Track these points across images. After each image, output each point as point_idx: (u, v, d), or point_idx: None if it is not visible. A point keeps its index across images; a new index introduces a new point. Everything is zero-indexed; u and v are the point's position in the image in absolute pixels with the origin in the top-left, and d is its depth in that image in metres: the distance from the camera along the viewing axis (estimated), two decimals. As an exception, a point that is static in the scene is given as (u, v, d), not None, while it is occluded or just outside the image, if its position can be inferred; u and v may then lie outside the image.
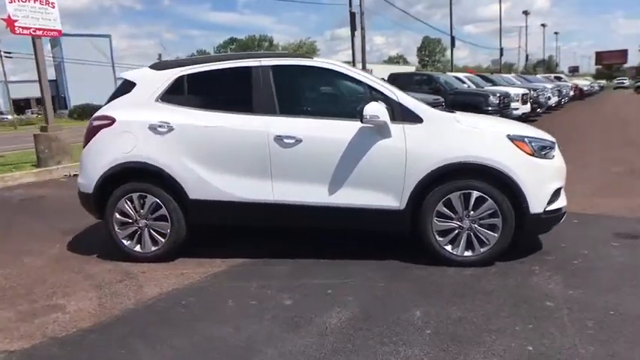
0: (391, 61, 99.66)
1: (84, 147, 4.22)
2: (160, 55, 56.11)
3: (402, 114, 3.68)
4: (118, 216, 4.07)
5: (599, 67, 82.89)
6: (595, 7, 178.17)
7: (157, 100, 4.04)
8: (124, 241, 4.11)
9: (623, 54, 71.83)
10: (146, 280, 3.72)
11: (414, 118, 3.67)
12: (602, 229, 4.48)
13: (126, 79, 4.28)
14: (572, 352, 2.46)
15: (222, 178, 3.88)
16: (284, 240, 4.53)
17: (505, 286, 3.31)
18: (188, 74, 4.05)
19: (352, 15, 18.94)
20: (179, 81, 4.05)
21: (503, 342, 2.60)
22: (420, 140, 3.62)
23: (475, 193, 3.58)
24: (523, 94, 15.20)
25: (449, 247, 3.70)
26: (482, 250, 3.66)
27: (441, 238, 3.69)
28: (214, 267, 3.93)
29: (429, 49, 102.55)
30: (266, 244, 4.42)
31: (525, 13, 44.27)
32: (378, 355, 2.52)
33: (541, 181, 3.63)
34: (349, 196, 3.74)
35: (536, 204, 3.57)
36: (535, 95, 17.04)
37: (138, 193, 4.01)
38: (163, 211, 3.99)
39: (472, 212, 3.62)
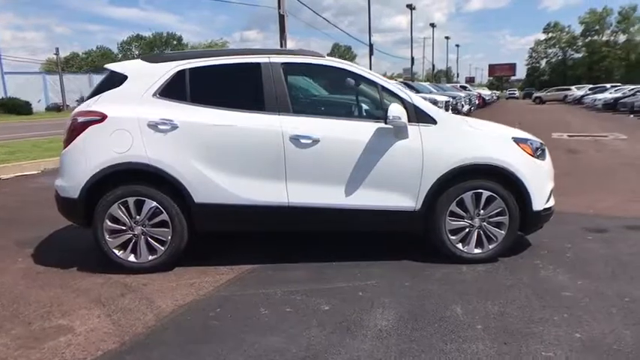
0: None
1: (65, 146, 3.74)
2: (57, 49, 51.11)
3: (416, 116, 3.74)
4: (109, 223, 3.66)
5: (491, 78, 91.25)
6: (484, 24, 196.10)
7: (154, 96, 3.70)
8: (116, 251, 3.70)
9: (512, 67, 79.96)
10: (153, 293, 3.38)
11: (428, 120, 3.76)
12: (569, 224, 4.92)
13: (113, 71, 3.86)
14: (617, 336, 2.67)
15: (232, 180, 3.66)
16: (280, 244, 4.38)
17: (521, 281, 3.51)
18: (190, 68, 3.76)
19: (281, 17, 18.87)
20: (180, 75, 3.74)
21: (551, 331, 2.75)
22: (435, 141, 3.72)
23: (486, 193, 3.76)
24: (446, 102, 16.27)
25: (460, 245, 3.83)
26: (490, 247, 3.84)
27: (453, 237, 3.81)
28: (223, 274, 3.69)
29: (338, 56, 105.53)
30: (263, 249, 4.25)
31: (432, 25, 47.66)
32: (447, 353, 2.54)
33: (541, 180, 3.91)
34: (366, 198, 3.72)
35: (538, 202, 3.84)
36: (454, 103, 18.31)
37: (135, 198, 3.63)
38: (164, 216, 3.66)
39: (482, 211, 3.79)
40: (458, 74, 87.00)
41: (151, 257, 3.72)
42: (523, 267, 3.77)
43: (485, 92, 39.88)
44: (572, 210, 5.30)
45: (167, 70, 3.75)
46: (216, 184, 3.64)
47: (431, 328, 2.80)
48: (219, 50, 3.89)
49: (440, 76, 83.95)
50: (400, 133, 3.67)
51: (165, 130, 3.62)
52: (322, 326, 2.85)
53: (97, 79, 50.06)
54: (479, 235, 3.83)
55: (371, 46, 32.01)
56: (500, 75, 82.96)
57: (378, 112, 3.79)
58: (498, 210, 3.79)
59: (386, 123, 3.58)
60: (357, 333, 2.76)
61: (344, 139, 3.70)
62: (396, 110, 3.53)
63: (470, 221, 3.81)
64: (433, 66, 57.22)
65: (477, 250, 3.84)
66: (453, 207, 3.77)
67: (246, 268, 3.82)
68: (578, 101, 36.83)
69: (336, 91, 4.22)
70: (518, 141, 3.89)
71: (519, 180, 3.75)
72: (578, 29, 76.51)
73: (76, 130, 3.67)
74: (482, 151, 3.75)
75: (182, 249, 3.76)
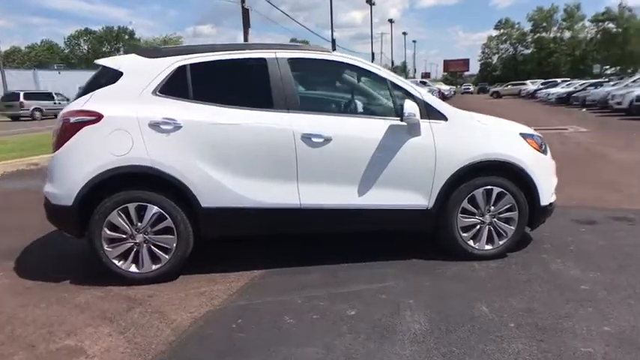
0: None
1: (55, 149, 3.43)
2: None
3: (427, 112, 3.68)
4: (107, 232, 3.39)
5: (446, 73, 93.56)
6: (438, 20, 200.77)
7: (154, 93, 3.46)
8: (115, 262, 3.44)
9: (465, 63, 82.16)
10: (162, 305, 3.16)
11: (439, 117, 3.71)
12: (558, 217, 4.97)
13: (107, 67, 3.57)
14: (646, 328, 2.72)
15: (240, 182, 3.47)
16: (284, 247, 4.23)
17: (536, 275, 3.53)
18: (191, 64, 3.53)
19: (245, 12, 18.47)
20: (180, 71, 3.51)
21: (581, 325, 2.76)
22: (446, 138, 3.67)
23: (496, 189, 3.75)
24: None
25: (471, 242, 3.82)
26: (500, 242, 3.85)
27: (464, 234, 3.79)
28: (233, 282, 3.51)
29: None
30: (268, 254, 4.07)
31: (390, 21, 48.28)
32: (489, 354, 2.50)
33: (547, 175, 3.95)
34: (379, 197, 3.63)
35: (545, 197, 3.88)
36: (420, 98, 18.50)
37: (136, 203, 3.38)
38: (168, 222, 3.43)
39: (492, 207, 3.79)
40: (415, 70, 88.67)
41: (154, 267, 3.48)
42: (532, 262, 3.80)
43: (444, 87, 40.92)
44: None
45: (166, 65, 3.51)
46: (224, 186, 3.45)
47: (465, 329, 2.75)
48: (221, 45, 3.66)
49: (397, 72, 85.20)
50: (413, 130, 3.60)
51: (167, 130, 3.38)
52: (355, 333, 2.74)
53: (45, 75, 47.26)
54: (489, 231, 3.83)
55: (333, 41, 32.03)
56: (454, 70, 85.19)
57: (389, 109, 3.71)
58: (508, 206, 3.79)
59: (402, 120, 3.50)
60: (393, 338, 2.67)
61: (356, 137, 3.59)
62: (411, 107, 3.46)
63: (481, 218, 3.80)
64: (392, 62, 58.08)
65: (488, 247, 3.84)
66: (465, 204, 3.74)
67: (255, 274, 3.65)
68: (532, 95, 38.37)
69: (344, 88, 4.10)
70: (525, 136, 3.91)
71: (528, 176, 3.77)
72: (527, 26, 79.68)
73: (67, 131, 3.37)
74: (493, 148, 3.74)
75: (187, 256, 3.54)
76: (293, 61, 3.64)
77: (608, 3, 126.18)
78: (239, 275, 3.62)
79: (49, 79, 45.82)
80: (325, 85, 4.07)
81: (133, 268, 3.47)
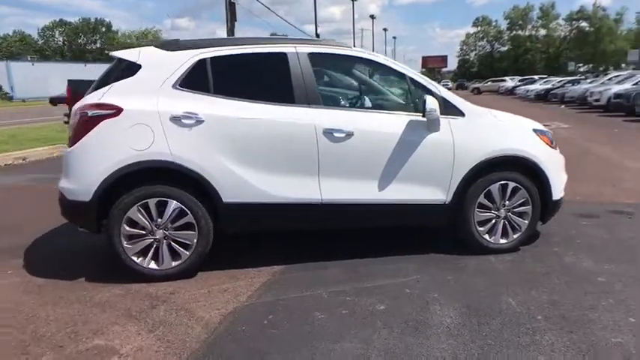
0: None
1: (72, 143, 3.32)
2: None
3: (445, 108, 3.70)
4: (127, 228, 3.31)
5: (424, 69, 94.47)
6: (417, 17, 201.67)
7: (174, 87, 3.38)
8: (135, 258, 3.37)
9: (444, 59, 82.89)
10: (187, 302, 3.11)
11: (456, 112, 3.74)
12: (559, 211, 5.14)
13: (124, 60, 3.48)
14: (670, 318, 2.82)
15: (262, 178, 3.44)
16: (295, 243, 4.20)
17: (553, 268, 3.60)
18: (212, 57, 3.47)
19: (232, 5, 18.22)
20: (200, 65, 3.45)
21: (606, 317, 2.84)
22: (464, 134, 3.70)
23: (511, 184, 3.81)
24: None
25: (487, 236, 3.87)
26: (514, 236, 3.91)
27: (481, 228, 3.84)
28: (254, 278, 3.49)
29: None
30: (281, 250, 4.03)
31: (372, 17, 48.25)
32: (525, 347, 2.54)
33: (559, 170, 4.03)
34: (399, 192, 3.65)
35: (557, 191, 3.96)
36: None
37: (156, 199, 3.31)
38: (189, 218, 3.37)
39: (507, 202, 3.85)
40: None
41: (174, 263, 3.42)
42: (545, 255, 3.88)
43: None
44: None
45: (187, 58, 3.44)
46: (246, 181, 3.41)
47: (496, 322, 2.79)
48: (240, 38, 3.61)
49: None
50: (433, 125, 3.62)
51: (189, 124, 3.32)
52: (389, 328, 2.75)
53: (17, 66, 45.64)
54: (504, 225, 3.89)
55: (317, 36, 31.93)
56: (433, 66, 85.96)
57: (408, 105, 3.72)
58: (522, 200, 3.86)
59: (423, 115, 3.51)
60: (428, 332, 2.69)
61: (376, 133, 3.59)
62: (432, 102, 3.48)
63: (496, 212, 3.85)
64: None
65: (503, 240, 3.90)
66: (481, 199, 3.79)
67: (274, 270, 3.63)
68: (510, 92, 39.06)
69: (363, 83, 4.08)
70: (537, 132, 3.98)
71: (542, 171, 3.84)
72: (504, 24, 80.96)
73: (85, 125, 3.27)
74: (509, 143, 3.80)
75: (207, 252, 3.49)
76: (313, 56, 3.61)
77: (582, 2, 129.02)
78: (258, 271, 3.59)
79: (22, 71, 44.39)
80: (345, 80, 4.05)
81: (153, 265, 3.40)
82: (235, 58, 3.53)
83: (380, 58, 3.79)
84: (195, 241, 3.41)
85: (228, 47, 3.54)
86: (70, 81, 8.53)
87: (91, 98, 3.37)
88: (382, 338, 2.63)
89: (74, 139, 3.31)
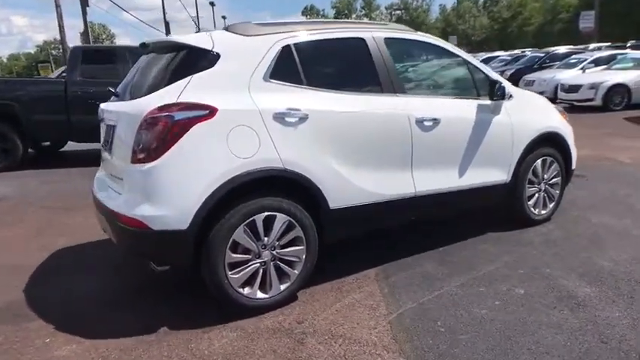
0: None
1: (154, 157, 2.54)
2: None
3: (500, 91, 3.83)
4: (231, 255, 2.70)
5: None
6: (249, 3, 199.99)
7: (265, 79, 2.83)
8: (241, 290, 2.78)
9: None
10: (330, 327, 2.69)
11: (508, 95, 3.90)
12: None
13: (197, 47, 2.77)
14: None
15: (362, 176, 3.13)
16: (359, 245, 3.91)
17: (594, 230, 4.03)
18: (295, 43, 2.98)
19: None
20: (287, 52, 2.94)
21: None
22: (518, 114, 3.88)
23: (549, 159, 4.15)
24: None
25: (533, 209, 4.16)
26: (550, 206, 4.29)
27: (529, 202, 4.12)
28: (363, 286, 3.18)
29: (93, 36, 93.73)
30: (351, 253, 3.71)
31: (212, 4, 46.15)
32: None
33: (573, 142, 4.52)
34: (475, 176, 3.69)
35: (574, 161, 4.44)
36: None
37: (264, 214, 2.76)
38: (297, 231, 2.90)
39: (545, 175, 4.19)
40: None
41: (282, 286, 2.91)
42: (573, 220, 4.32)
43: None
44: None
45: (270, 45, 2.90)
46: (350, 182, 3.06)
47: (627, 289, 3.01)
48: (314, 21, 3.16)
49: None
50: (497, 108, 3.73)
51: (293, 122, 2.83)
52: (551, 308, 2.78)
53: None
54: (543, 197, 4.23)
55: (167, 24, 29.52)
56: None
57: (473, 90, 3.76)
58: (556, 172, 4.24)
59: (504, 99, 3.59)
60: (586, 304, 2.80)
61: (457, 119, 3.56)
62: (509, 87, 3.56)
63: (538, 186, 4.16)
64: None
65: (544, 212, 4.24)
66: (530, 175, 4.05)
67: (369, 273, 3.36)
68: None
69: (433, 69, 3.93)
70: (559, 110, 4.39)
71: (567, 144, 4.27)
72: (331, 13, 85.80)
73: (172, 132, 2.53)
74: (549, 121, 4.12)
75: (313, 268, 3.06)
76: (389, 41, 3.37)
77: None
78: (356, 279, 3.28)
79: None
80: (415, 66, 3.87)
81: (260, 294, 2.85)
82: (319, 44, 3.11)
83: (444, 44, 3.72)
84: (303, 257, 2.96)
85: (308, 31, 3.09)
86: None
87: (163, 98, 2.61)
88: (562, 318, 2.66)
89: (157, 151, 2.53)
